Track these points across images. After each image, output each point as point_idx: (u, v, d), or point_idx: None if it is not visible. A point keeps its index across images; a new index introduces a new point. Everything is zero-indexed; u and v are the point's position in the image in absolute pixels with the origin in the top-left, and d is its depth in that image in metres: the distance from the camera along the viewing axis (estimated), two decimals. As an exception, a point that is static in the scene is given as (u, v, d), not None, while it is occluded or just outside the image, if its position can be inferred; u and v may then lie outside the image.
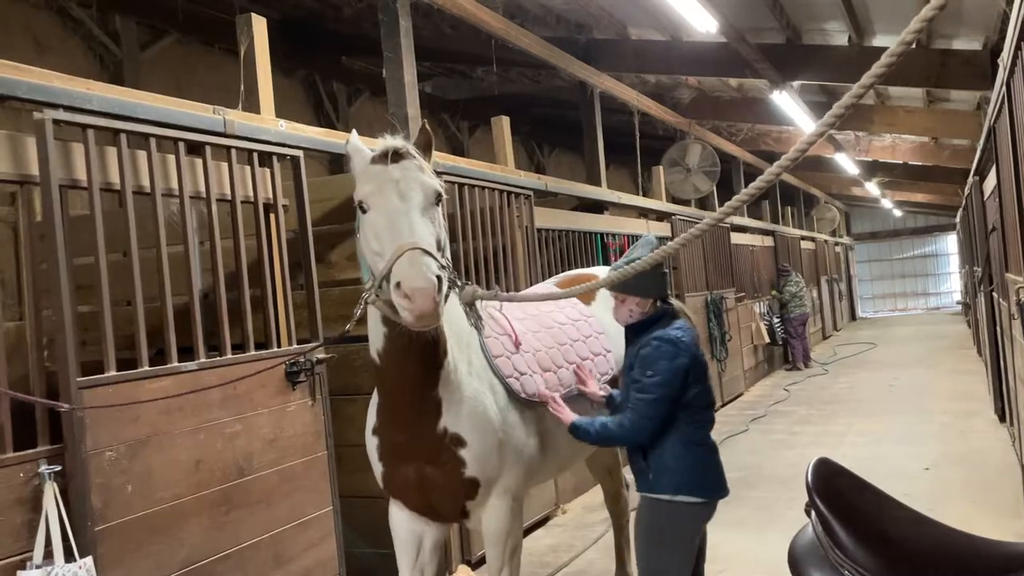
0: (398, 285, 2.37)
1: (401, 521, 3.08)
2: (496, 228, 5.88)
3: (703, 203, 12.85)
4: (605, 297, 3.85)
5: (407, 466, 2.88)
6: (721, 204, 14.14)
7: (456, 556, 5.01)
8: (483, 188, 5.75)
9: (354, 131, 2.84)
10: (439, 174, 5.18)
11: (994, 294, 7.37)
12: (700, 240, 10.67)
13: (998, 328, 7.26)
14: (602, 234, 7.90)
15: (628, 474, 4.69)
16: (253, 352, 3.71)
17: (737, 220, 13.38)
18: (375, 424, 2.96)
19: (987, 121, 5.68)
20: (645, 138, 10.51)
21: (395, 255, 2.41)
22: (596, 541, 5.41)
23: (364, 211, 2.61)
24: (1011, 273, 4.76)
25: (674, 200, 11.51)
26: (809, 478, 1.48)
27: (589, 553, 5.27)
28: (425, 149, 2.76)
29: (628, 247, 8.76)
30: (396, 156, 2.63)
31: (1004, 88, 4.10)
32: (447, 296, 2.53)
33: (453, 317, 2.93)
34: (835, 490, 1.49)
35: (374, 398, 2.96)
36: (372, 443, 2.98)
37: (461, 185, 5.48)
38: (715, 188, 12.52)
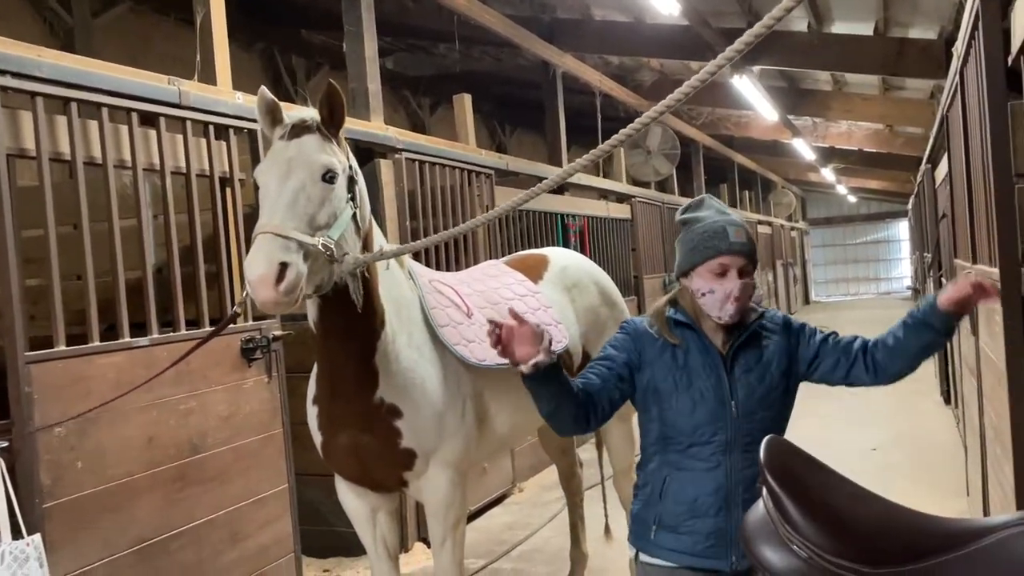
0: (245, 271, 2.36)
1: (350, 496, 3.10)
2: (456, 207, 5.86)
3: (663, 185, 12.94)
4: (555, 274, 3.86)
5: (344, 435, 2.89)
6: (681, 187, 14.23)
7: (412, 534, 5.03)
8: (443, 166, 5.72)
9: (263, 90, 2.72)
10: (398, 150, 5.20)
11: (943, 279, 7.56)
12: (659, 222, 10.77)
13: (945, 313, 7.44)
14: (562, 215, 7.92)
15: (582, 452, 4.77)
16: (208, 328, 3.66)
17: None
18: (314, 394, 2.96)
19: (940, 110, 5.80)
20: (607, 120, 10.52)
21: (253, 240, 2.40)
22: (551, 519, 5.46)
23: (258, 190, 2.59)
24: (959, 259, 4.89)
25: (634, 182, 11.58)
26: (761, 456, 1.51)
27: (545, 531, 5.33)
28: (331, 116, 2.65)
29: (588, 228, 8.87)
30: (297, 131, 2.58)
31: (957, 78, 4.18)
32: (316, 273, 2.48)
33: (393, 288, 2.92)
34: (786, 468, 1.51)
35: (315, 368, 2.95)
36: (312, 412, 2.98)
37: (421, 163, 5.44)
38: (675, 171, 12.63)
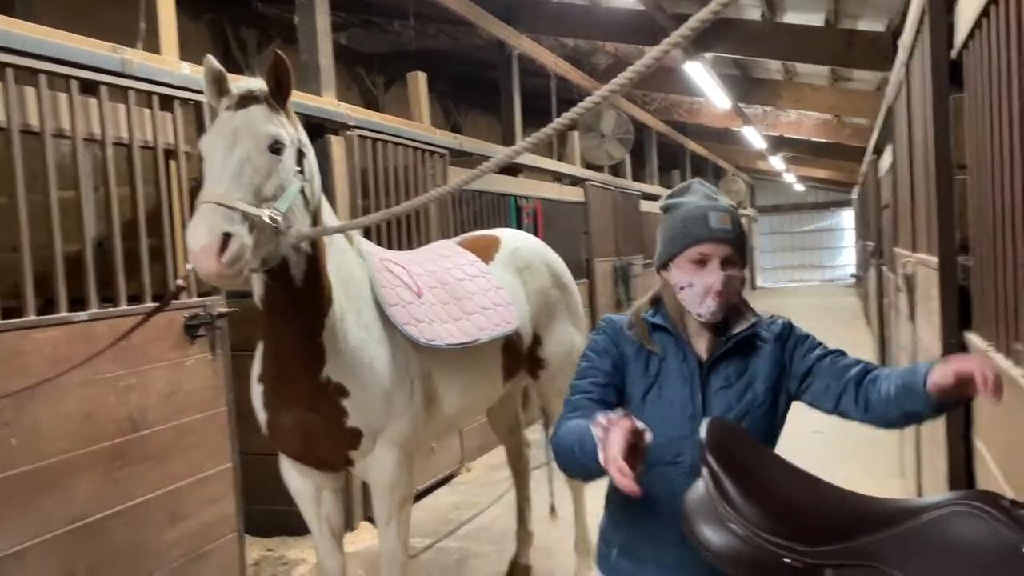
0: (187, 242, 2.32)
1: (294, 475, 3.07)
2: (409, 186, 5.81)
3: (616, 170, 13.00)
4: (507, 256, 3.86)
5: (289, 414, 2.86)
6: (635, 172, 14.32)
7: (358, 513, 5.01)
8: (397, 145, 5.66)
9: (209, 59, 2.65)
10: (350, 127, 5.12)
11: (884, 267, 7.76)
12: (611, 206, 10.84)
13: (885, 300, 7.66)
14: (516, 196, 7.92)
15: (530, 433, 4.79)
16: (150, 304, 3.57)
17: (648, 188, 13.62)
18: (259, 372, 2.91)
19: (886, 102, 5.92)
20: (562, 103, 10.49)
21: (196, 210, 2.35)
22: (499, 499, 5.49)
23: (202, 161, 2.53)
24: (900, 247, 5.01)
25: (588, 166, 11.62)
26: (703, 435, 1.53)
27: (492, 510, 5.36)
28: (279, 87, 2.60)
29: (541, 211, 8.89)
30: (244, 101, 2.52)
31: (903, 70, 4.27)
32: (260, 247, 2.44)
33: (342, 265, 2.89)
34: (727, 448, 1.54)
35: (260, 345, 2.91)
36: (256, 390, 2.94)
37: (374, 140, 5.38)
38: (629, 156, 12.70)
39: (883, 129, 6.78)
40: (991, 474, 2.40)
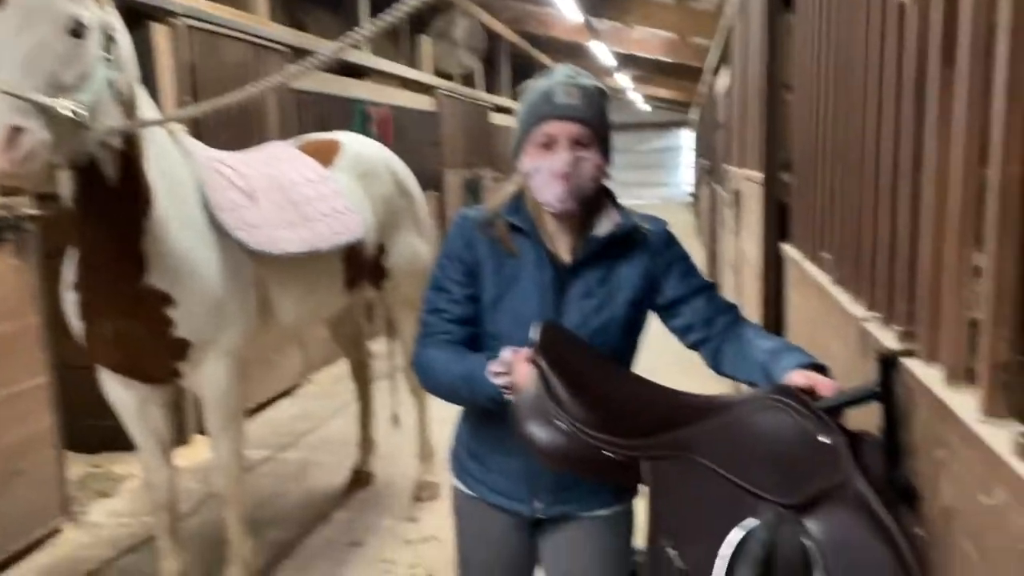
0: None
1: (117, 388, 2.90)
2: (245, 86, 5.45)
3: (467, 78, 12.79)
4: (348, 160, 3.73)
5: (108, 324, 2.67)
6: (488, 84, 14.03)
7: (192, 427, 4.85)
8: (231, 39, 5.27)
9: None
10: (176, 15, 4.70)
11: (716, 185, 8.15)
12: (464, 116, 10.69)
13: (716, 216, 8.08)
14: (363, 102, 7.63)
15: (375, 345, 4.77)
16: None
17: (499, 100, 13.52)
18: (72, 279, 2.70)
19: (725, 22, 6.09)
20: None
21: None
22: (342, 410, 5.47)
23: None
24: (731, 165, 5.26)
25: (439, 74, 11.35)
26: (533, 337, 1.55)
27: (334, 421, 5.33)
28: None
29: (390, 119, 8.62)
30: None
31: (742, -9, 4.39)
32: (60, 141, 2.22)
33: (165, 165, 2.69)
34: (557, 350, 1.56)
35: (71, 251, 2.69)
36: (70, 299, 2.71)
37: (205, 32, 4.98)
38: (481, 66, 12.50)
39: (722, 50, 7.00)
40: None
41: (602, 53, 15.85)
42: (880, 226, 1.63)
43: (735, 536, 1.31)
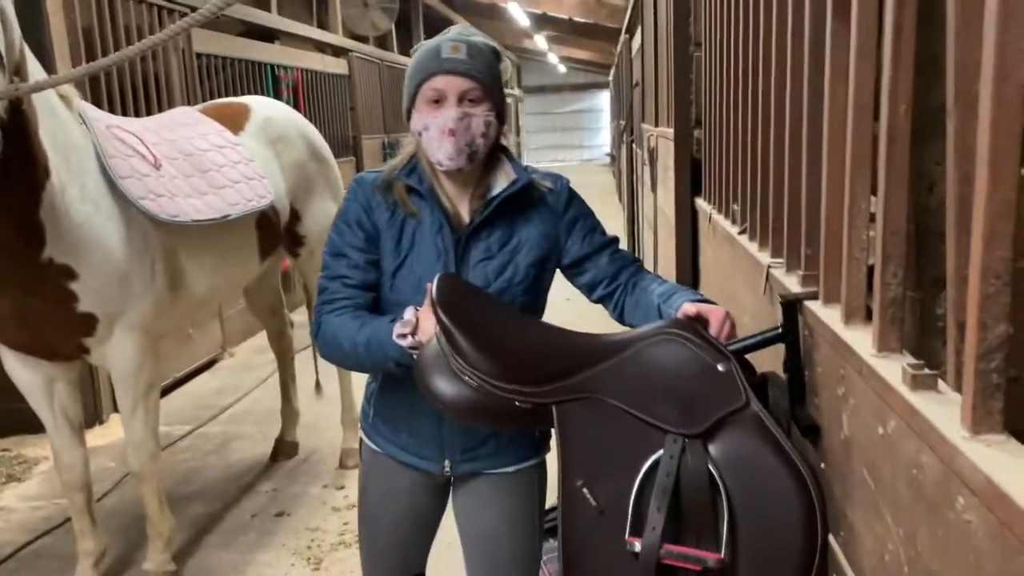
0: None
1: (19, 367, 2.78)
2: (147, 52, 5.21)
3: (383, 42, 12.54)
4: (258, 126, 3.62)
5: (6, 301, 2.54)
6: (401, 46, 13.82)
7: (107, 407, 4.69)
8: (128, 0, 5.02)
9: None
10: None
11: (633, 144, 8.24)
12: (378, 80, 10.49)
13: (634, 176, 8.18)
14: (273, 66, 7.40)
15: (294, 315, 4.69)
16: None
17: (414, 63, 13.32)
18: None
19: (638, -19, 6.11)
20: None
21: None
22: (263, 382, 5.38)
23: None
24: (646, 123, 5.32)
25: (353, 37, 11.08)
26: (433, 293, 1.53)
27: (256, 393, 5.24)
28: None
29: (302, 82, 8.39)
30: None
31: (652, -52, 4.41)
32: None
33: (59, 132, 2.56)
34: (458, 303, 1.55)
35: None
36: None
37: (99, -7, 4.73)
38: (395, 29, 12.26)
39: (635, 9, 7.03)
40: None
41: (518, 14, 15.76)
42: (782, 176, 1.68)
43: (643, 469, 1.37)
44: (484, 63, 1.70)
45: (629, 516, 1.36)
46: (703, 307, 1.52)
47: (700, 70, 3.19)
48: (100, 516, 3.10)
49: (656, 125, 4.35)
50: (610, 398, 1.43)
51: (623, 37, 9.87)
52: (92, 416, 4.51)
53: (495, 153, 1.77)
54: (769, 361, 1.55)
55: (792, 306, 1.44)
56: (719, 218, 2.47)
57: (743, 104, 2.15)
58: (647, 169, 4.91)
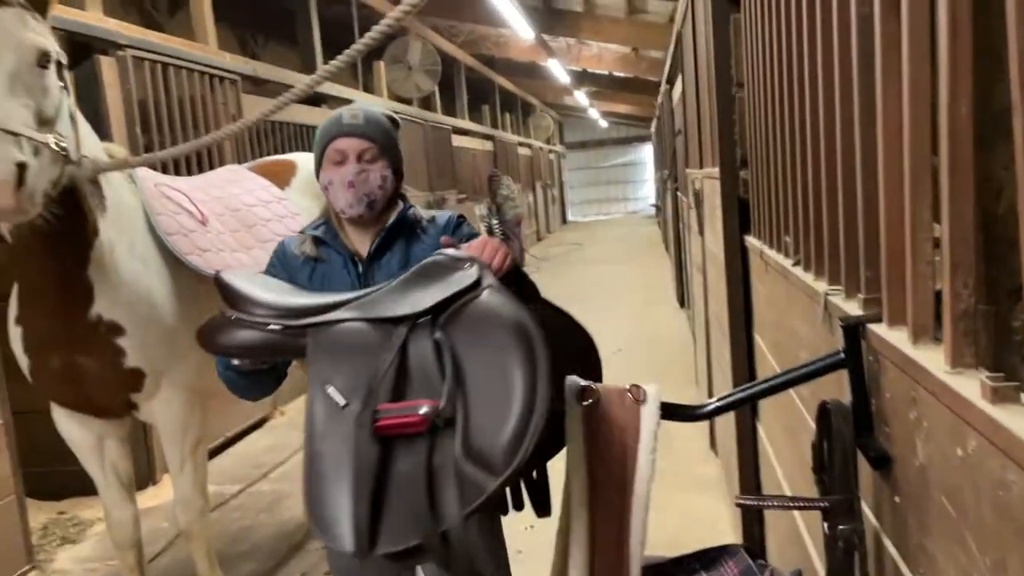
0: None
1: (71, 425, 2.80)
2: (199, 118, 5.38)
3: (426, 102, 12.80)
4: (303, 182, 3.68)
5: (56, 357, 2.59)
6: (445, 107, 14.08)
7: (160, 466, 4.71)
8: (180, 68, 5.21)
9: None
10: (122, 47, 4.63)
11: (678, 192, 8.19)
12: (421, 140, 10.68)
13: (680, 223, 8.11)
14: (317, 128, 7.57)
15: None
16: None
17: (458, 123, 13.55)
18: (17, 313, 2.61)
19: (675, 28, 6.15)
20: (365, 33, 10.15)
21: None
22: (314, 438, 5.35)
23: None
24: (690, 168, 5.28)
25: (396, 99, 11.34)
26: (225, 281, 1.81)
27: (307, 450, 5.22)
28: None
29: (314, 153, 8.49)
30: None
31: (689, -6, 4.42)
32: (54, 179, 2.23)
33: (109, 191, 2.62)
34: (247, 283, 1.83)
35: (16, 285, 2.60)
36: (15, 334, 2.63)
37: (153, 63, 4.91)
38: (438, 90, 12.52)
39: (674, 57, 7.06)
40: (769, 366, 2.59)
41: (558, 71, 15.99)
42: (837, 200, 1.62)
43: (375, 360, 1.51)
44: (379, 128, 2.02)
45: (365, 394, 1.48)
46: (463, 245, 1.75)
47: (743, 110, 3.16)
48: (155, 575, 3.08)
49: (701, 167, 4.31)
50: (355, 313, 1.61)
51: (663, 88, 9.92)
52: (145, 477, 4.53)
53: (393, 202, 2.06)
54: (829, 390, 1.47)
55: (854, 330, 1.36)
56: (771, 253, 2.40)
57: (791, 134, 2.10)
58: (693, 213, 4.86)
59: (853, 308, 1.49)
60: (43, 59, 2.21)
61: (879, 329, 1.33)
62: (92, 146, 2.53)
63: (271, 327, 1.66)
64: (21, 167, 2.03)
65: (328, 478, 1.43)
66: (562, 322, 1.81)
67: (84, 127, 2.54)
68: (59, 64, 2.33)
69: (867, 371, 1.36)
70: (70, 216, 2.40)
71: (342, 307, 1.64)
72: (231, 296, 1.75)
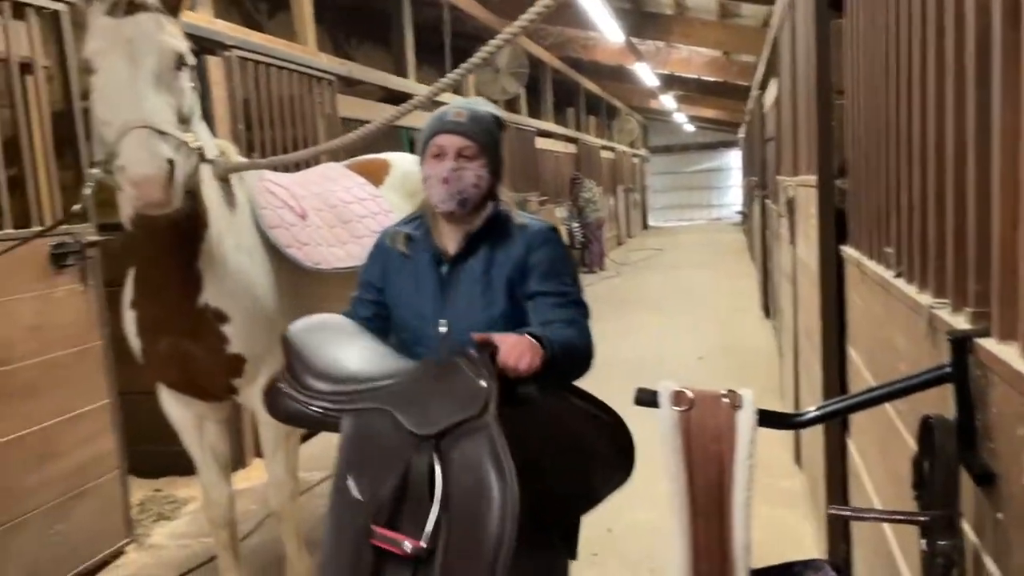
0: (123, 169, 2.15)
1: (175, 405, 2.96)
2: (296, 116, 5.57)
3: (511, 104, 12.89)
4: (397, 179, 3.78)
5: (166, 341, 2.73)
6: (530, 109, 14.14)
7: (250, 450, 4.90)
8: (281, 69, 5.40)
9: None
10: (228, 47, 4.84)
11: (767, 199, 8.04)
12: (508, 142, 10.75)
13: (768, 231, 7.95)
14: (408, 129, 7.74)
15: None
16: (10, 230, 3.32)
17: (543, 125, 13.60)
18: (132, 298, 2.76)
19: (771, 32, 6.04)
20: (457, 37, 10.28)
21: (120, 132, 2.16)
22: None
23: (90, 72, 2.30)
24: (782, 175, 5.18)
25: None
26: (287, 330, 2.04)
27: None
28: (174, 2, 2.43)
29: (417, 147, 8.65)
30: (130, 7, 2.30)
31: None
32: (191, 176, 2.38)
33: (218, 187, 2.76)
34: (304, 336, 2.01)
35: (131, 271, 2.75)
36: (129, 316, 2.78)
37: (256, 64, 5.11)
38: (524, 92, 12.59)
39: (769, 62, 6.93)
40: (863, 379, 2.53)
41: (646, 75, 15.87)
42: (946, 212, 1.58)
43: (396, 466, 1.67)
44: (481, 127, 2.07)
45: (368, 502, 1.65)
46: (495, 335, 1.80)
47: (843, 117, 3.09)
48: (242, 555, 3.21)
49: (795, 175, 4.22)
50: (388, 407, 1.74)
51: (754, 93, 9.74)
52: (236, 460, 4.72)
53: (487, 201, 2.10)
54: (927, 405, 1.43)
55: (961, 344, 1.33)
56: (870, 264, 2.35)
57: (896, 143, 2.05)
58: (784, 221, 4.76)
59: (959, 322, 1.45)
60: (179, 61, 2.34)
61: (988, 343, 1.29)
62: (207, 142, 2.66)
63: (312, 409, 1.86)
64: (170, 163, 2.16)
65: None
66: (589, 409, 1.96)
67: (201, 124, 2.68)
68: (191, 67, 2.47)
69: (973, 386, 1.33)
70: (188, 210, 2.53)
71: (381, 391, 1.80)
72: (288, 362, 1.96)
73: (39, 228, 3.33)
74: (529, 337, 1.84)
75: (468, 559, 1.56)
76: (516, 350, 1.78)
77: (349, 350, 1.98)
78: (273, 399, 2.00)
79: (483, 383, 1.71)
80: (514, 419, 1.71)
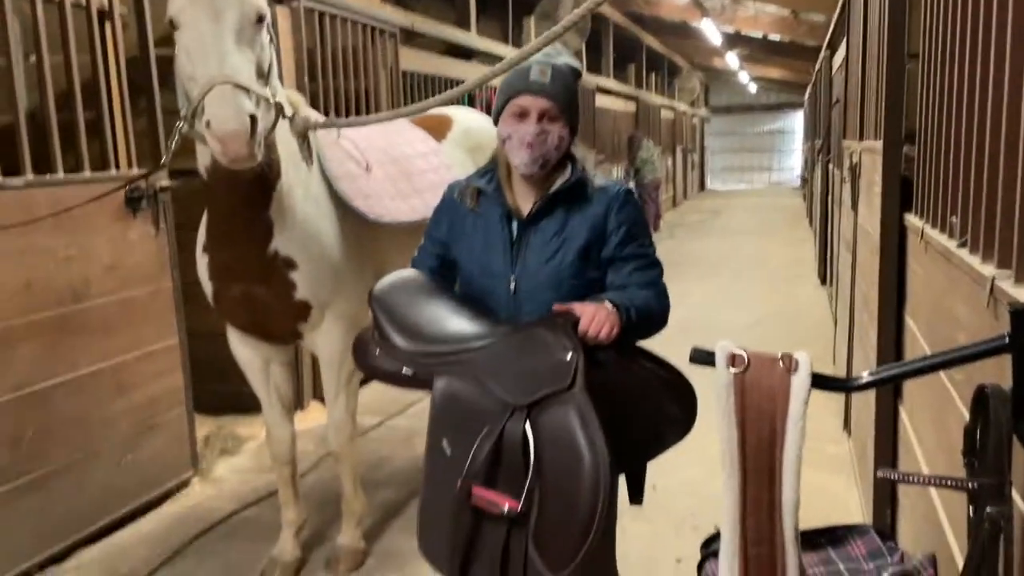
0: (208, 124, 2.22)
1: (243, 347, 3.08)
2: (359, 68, 5.62)
3: (571, 61, 12.74)
4: (459, 135, 3.81)
5: (237, 286, 2.84)
6: (590, 65, 13.95)
7: (308, 393, 5.07)
8: (344, 21, 5.44)
9: None
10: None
11: (830, 164, 7.87)
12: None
13: (830, 196, 7.80)
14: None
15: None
16: (89, 174, 3.46)
17: (603, 82, 13.43)
18: (205, 242, 2.87)
19: (844, -8, 5.86)
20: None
21: (205, 88, 2.22)
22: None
23: (176, 28, 2.36)
24: (848, 139, 5.07)
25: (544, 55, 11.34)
26: (374, 288, 2.11)
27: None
28: None
29: (495, 101, 8.65)
30: None
31: (863, -43, 4.21)
32: (270, 130, 2.45)
33: (290, 139, 2.82)
34: (391, 295, 2.07)
35: (205, 215, 2.85)
36: (202, 261, 2.90)
37: (321, 15, 5.16)
38: (585, 49, 12.43)
39: (839, 23, 6.73)
40: (920, 349, 2.52)
41: (711, 32, 15.51)
42: (1014, 182, 1.57)
43: (484, 429, 1.76)
44: (563, 86, 2.03)
45: (467, 464, 1.73)
46: (575, 305, 1.88)
47: (914, 82, 3.02)
48: (301, 492, 3.36)
49: (860, 139, 4.14)
50: (476, 370, 1.83)
51: (823, 54, 9.47)
52: (295, 403, 4.89)
53: (564, 160, 2.09)
54: (983, 375, 1.44)
55: (1021, 315, 1.33)
56: (933, 233, 2.32)
57: (968, 111, 2.02)
58: (846, 187, 4.68)
59: (1021, 293, 1.45)
60: (258, 18, 2.40)
61: (1051, 317, 1.30)
62: (279, 94, 2.73)
63: (403, 368, 1.97)
64: (252, 119, 2.23)
65: (434, 530, 1.84)
66: (662, 374, 2.02)
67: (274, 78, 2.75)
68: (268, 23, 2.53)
69: (1033, 358, 1.33)
70: (264, 162, 2.61)
71: (469, 356, 1.87)
72: (376, 320, 2.04)
73: (124, 176, 3.46)
74: (608, 305, 1.90)
75: (562, 525, 1.64)
76: (597, 320, 1.85)
77: (436, 310, 2.03)
78: (362, 355, 2.09)
79: (569, 355, 1.77)
80: (593, 378, 1.78)
